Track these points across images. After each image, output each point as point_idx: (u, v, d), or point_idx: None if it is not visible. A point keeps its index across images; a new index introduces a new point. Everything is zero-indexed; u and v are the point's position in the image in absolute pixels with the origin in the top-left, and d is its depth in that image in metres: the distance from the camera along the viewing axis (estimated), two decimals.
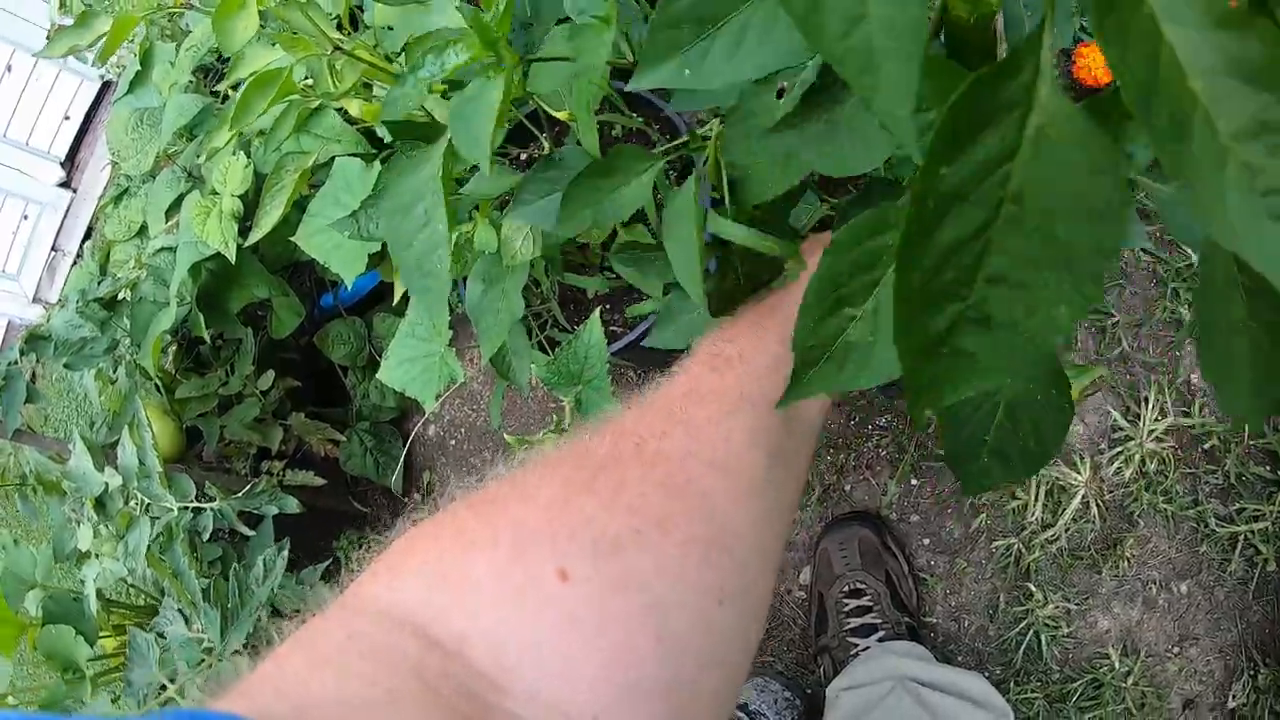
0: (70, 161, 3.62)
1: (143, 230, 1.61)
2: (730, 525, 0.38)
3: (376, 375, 0.94)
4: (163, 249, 1.37)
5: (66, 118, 3.49)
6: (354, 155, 1.00)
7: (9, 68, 3.23)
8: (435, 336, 0.86)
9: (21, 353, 1.28)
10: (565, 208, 0.56)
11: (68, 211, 3.59)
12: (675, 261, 0.52)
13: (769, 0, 0.39)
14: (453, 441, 1.55)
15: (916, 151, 0.25)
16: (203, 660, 0.98)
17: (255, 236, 0.90)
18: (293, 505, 1.14)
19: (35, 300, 3.73)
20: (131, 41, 2.07)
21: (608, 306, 0.98)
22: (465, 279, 0.83)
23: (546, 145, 0.83)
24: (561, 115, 0.77)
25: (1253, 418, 0.35)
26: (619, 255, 0.72)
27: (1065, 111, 0.23)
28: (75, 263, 3.72)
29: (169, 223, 1.51)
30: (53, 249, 3.66)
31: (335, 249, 1.08)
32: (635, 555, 0.33)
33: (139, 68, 1.77)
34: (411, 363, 0.89)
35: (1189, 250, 1.10)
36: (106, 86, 3.55)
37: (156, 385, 1.48)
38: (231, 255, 1.13)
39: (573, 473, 0.37)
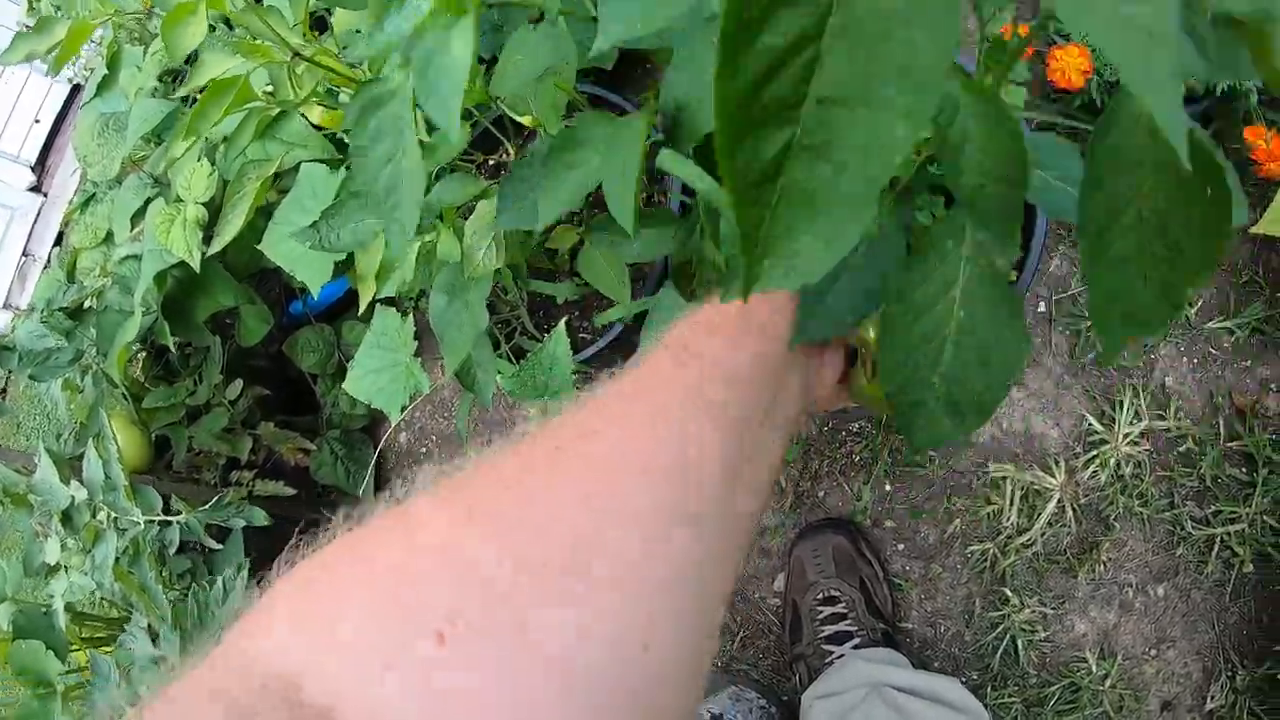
0: (41, 166, 3.58)
1: (109, 237, 1.60)
2: (656, 559, 0.31)
3: (343, 386, 0.93)
4: (128, 257, 1.36)
5: (36, 121, 3.46)
6: (319, 161, 0.99)
7: None
8: (401, 346, 0.85)
9: None
10: (543, 198, 0.55)
11: (38, 216, 3.56)
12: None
13: None
14: (423, 449, 1.54)
15: None
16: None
17: (218, 245, 0.89)
18: (260, 518, 1.13)
19: (5, 307, 3.69)
20: (98, 44, 2.05)
21: (577, 314, 0.98)
22: (429, 290, 0.82)
23: (512, 151, 0.82)
24: (526, 120, 0.77)
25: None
26: (593, 236, 0.72)
27: None
28: (45, 269, 3.68)
29: (134, 230, 1.49)
30: (23, 254, 3.62)
31: (301, 257, 1.07)
32: (531, 606, 0.28)
33: (106, 71, 1.76)
34: (378, 373, 0.88)
35: None
36: (77, 90, 3.51)
37: (124, 394, 1.46)
38: (196, 264, 1.12)
39: (473, 498, 0.32)
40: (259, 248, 1.13)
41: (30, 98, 3.40)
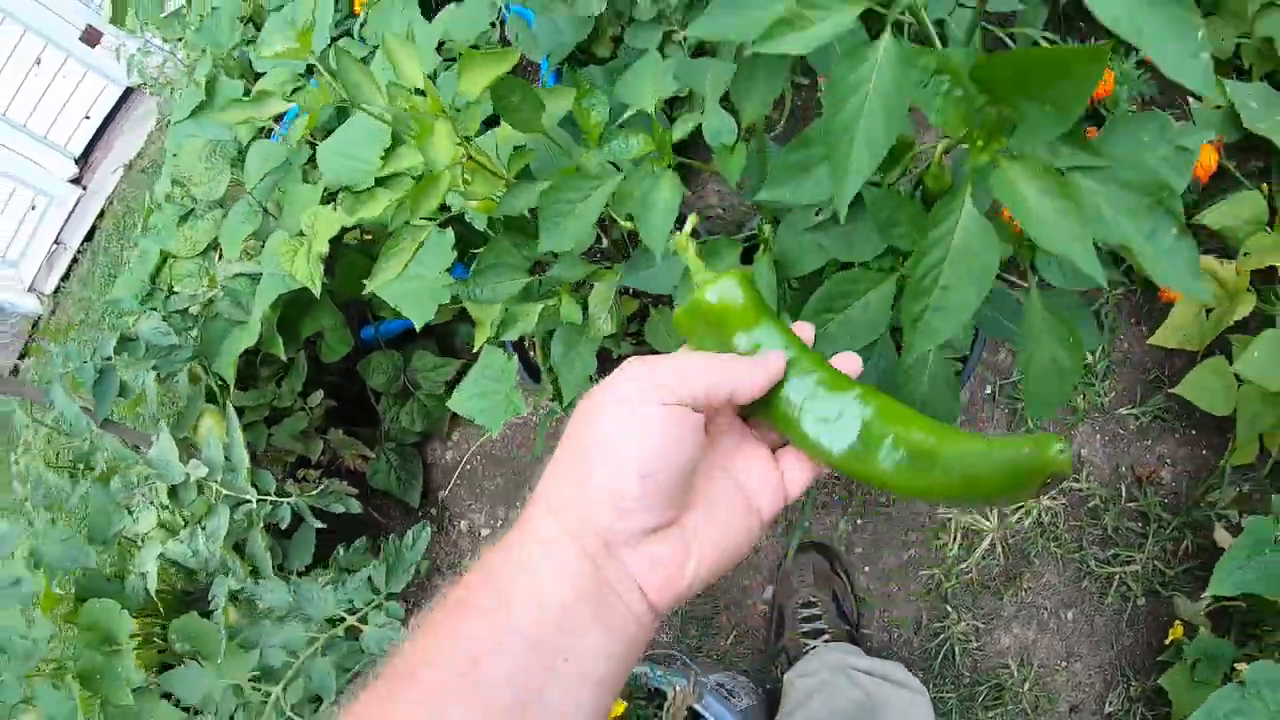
0: (84, 160, 3.82)
1: (207, 250, 1.85)
2: None
3: (447, 403, 1.20)
4: (240, 274, 1.61)
5: (87, 117, 3.70)
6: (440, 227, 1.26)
7: (39, 61, 3.45)
8: (505, 379, 1.12)
9: (116, 351, 1.50)
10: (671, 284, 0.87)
11: (75, 208, 3.78)
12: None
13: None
14: (468, 466, 1.80)
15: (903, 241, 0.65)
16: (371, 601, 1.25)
17: (373, 288, 1.15)
18: (355, 506, 1.38)
19: (30, 289, 3.88)
20: (183, 63, 2.30)
21: None
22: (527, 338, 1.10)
23: (606, 241, 1.11)
24: (626, 225, 1.05)
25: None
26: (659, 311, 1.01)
27: (971, 224, 0.54)
28: (76, 259, 3.88)
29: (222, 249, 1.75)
30: (55, 242, 3.84)
31: (408, 296, 1.34)
32: None
33: (204, 97, 1.99)
34: (481, 397, 1.15)
35: (1087, 353, 1.42)
36: (128, 93, 3.75)
37: (215, 392, 1.70)
38: (318, 291, 1.39)
39: None
40: (366, 283, 1.40)
41: (84, 94, 3.64)
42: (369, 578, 1.32)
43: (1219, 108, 1.42)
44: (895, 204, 0.74)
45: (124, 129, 3.79)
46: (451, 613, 0.40)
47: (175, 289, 1.91)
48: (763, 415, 0.52)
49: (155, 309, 1.79)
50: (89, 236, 3.88)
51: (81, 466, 1.74)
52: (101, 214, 3.82)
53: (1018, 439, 0.44)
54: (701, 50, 1.09)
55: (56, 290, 3.96)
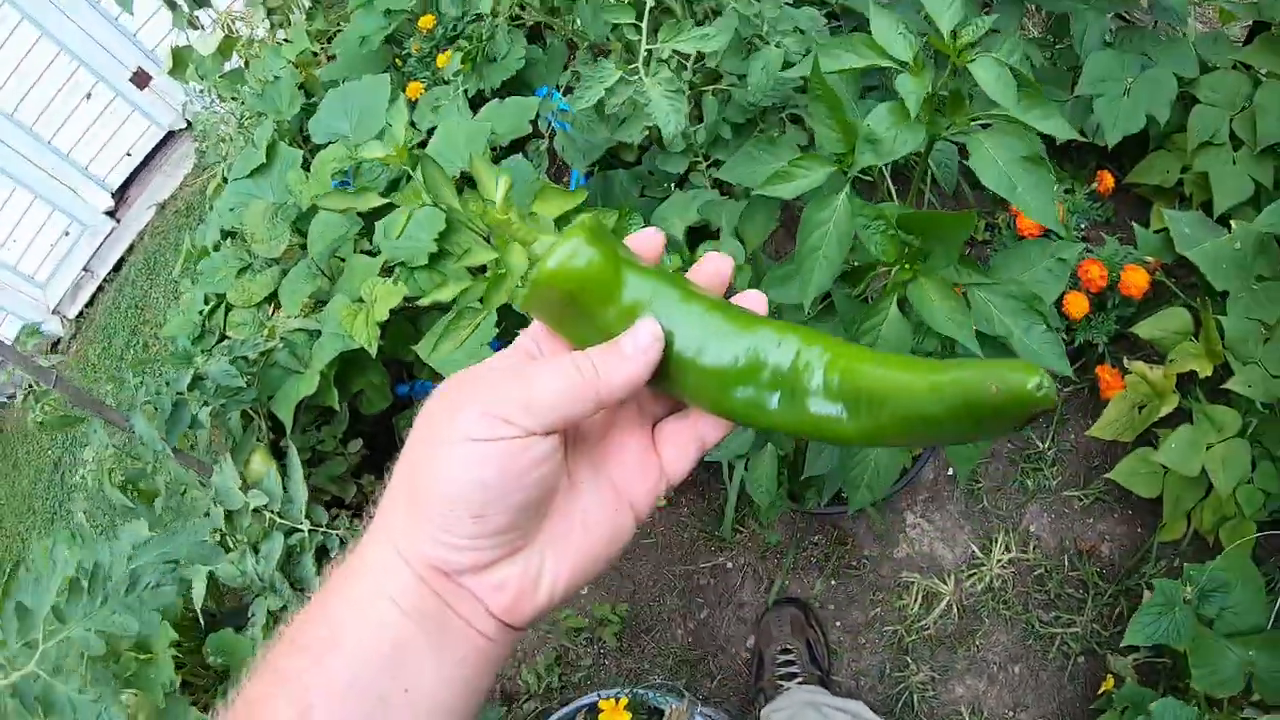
0: (121, 194, 4.05)
1: (262, 303, 2.06)
2: None
3: None
4: (299, 330, 1.82)
5: (128, 154, 3.94)
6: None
7: (89, 96, 3.71)
8: None
9: (189, 388, 1.70)
10: None
11: (106, 239, 4.00)
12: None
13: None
14: None
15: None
16: None
17: (431, 358, 1.35)
18: None
19: (54, 312, 4.07)
20: (248, 130, 2.52)
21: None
22: None
23: None
24: None
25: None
26: None
27: (894, 319, 0.77)
28: (102, 288, 4.08)
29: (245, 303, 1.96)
30: (84, 269, 4.05)
31: (453, 365, 1.56)
32: None
33: (264, 160, 2.21)
34: None
35: (1037, 441, 1.64)
36: (169, 136, 3.99)
37: (264, 432, 1.91)
38: (373, 352, 1.60)
39: None
40: (416, 349, 1.61)
41: (128, 133, 3.88)
42: None
43: (1159, 232, 1.66)
44: (854, 306, 0.98)
45: (162, 169, 4.03)
46: (286, 653, 0.39)
47: (227, 334, 2.12)
48: (670, 388, 0.45)
49: (208, 350, 2.00)
50: (117, 268, 4.09)
51: (135, 487, 1.93)
52: (131, 248, 4.04)
53: (983, 368, 0.36)
54: (717, 183, 1.32)
55: (79, 315, 4.16)
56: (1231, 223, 1.53)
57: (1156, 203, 1.79)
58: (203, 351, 2.06)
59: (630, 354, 0.41)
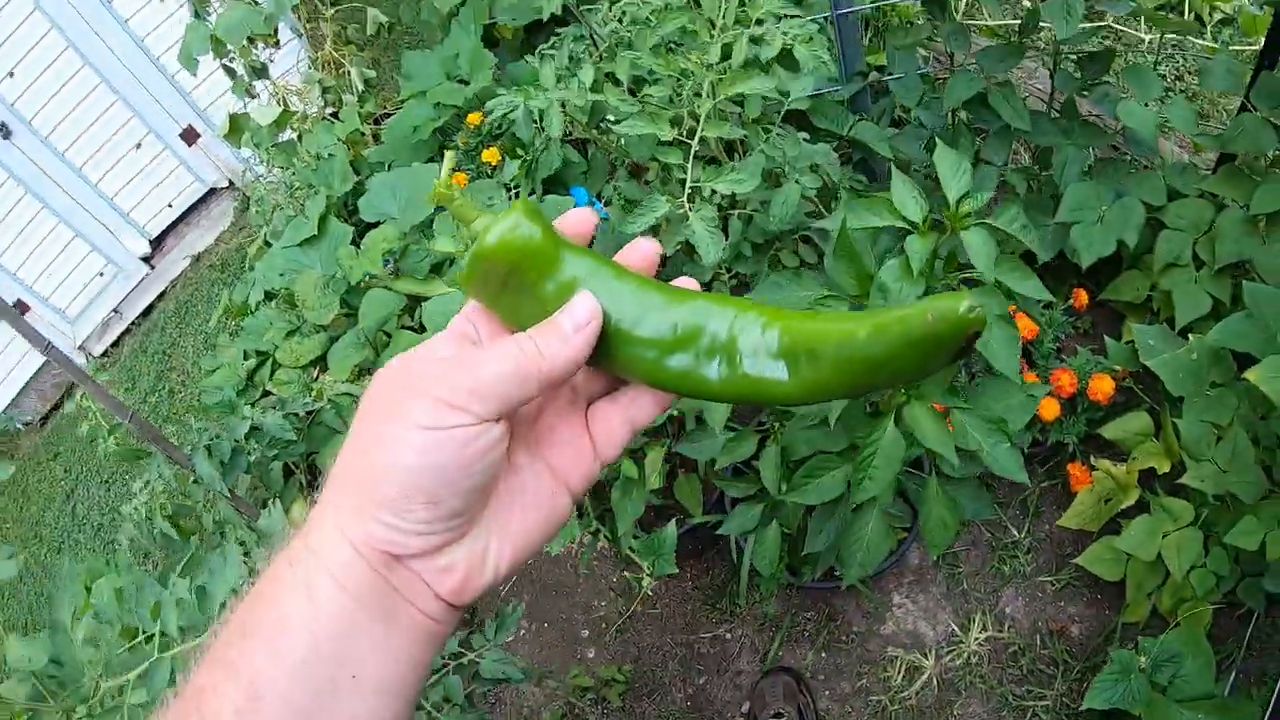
0: (158, 243, 4.26)
1: (308, 365, 2.23)
2: None
3: None
4: (345, 393, 1.99)
5: (169, 206, 4.17)
6: None
7: (139, 145, 3.94)
8: None
9: (245, 437, 1.87)
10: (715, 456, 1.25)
11: (139, 284, 4.19)
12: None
13: None
14: (503, 587, 2.16)
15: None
16: None
17: None
18: None
19: (80, 348, 4.24)
20: (299, 200, 2.72)
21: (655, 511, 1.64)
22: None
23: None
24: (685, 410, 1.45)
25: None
26: (689, 476, 1.40)
27: (891, 434, 0.97)
28: (129, 330, 4.25)
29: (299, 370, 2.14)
30: (114, 310, 4.22)
31: None
32: None
33: (315, 231, 2.41)
34: None
35: (1014, 530, 1.81)
36: (210, 193, 4.21)
37: (304, 485, 2.07)
38: None
39: None
40: None
41: (171, 185, 4.12)
42: None
43: (1129, 343, 1.85)
44: (861, 420, 1.17)
45: (200, 224, 4.25)
46: (234, 638, 0.40)
47: (270, 390, 2.30)
48: (609, 364, 0.46)
49: (252, 403, 2.17)
50: (146, 313, 4.28)
51: (175, 522, 2.08)
52: (162, 295, 4.24)
53: (917, 305, 0.38)
54: (734, 291, 1.52)
55: (104, 354, 4.33)
56: (1190, 335, 1.72)
57: (1129, 316, 1.99)
58: (248, 404, 2.24)
59: (569, 332, 0.42)
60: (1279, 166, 1.78)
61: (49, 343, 1.70)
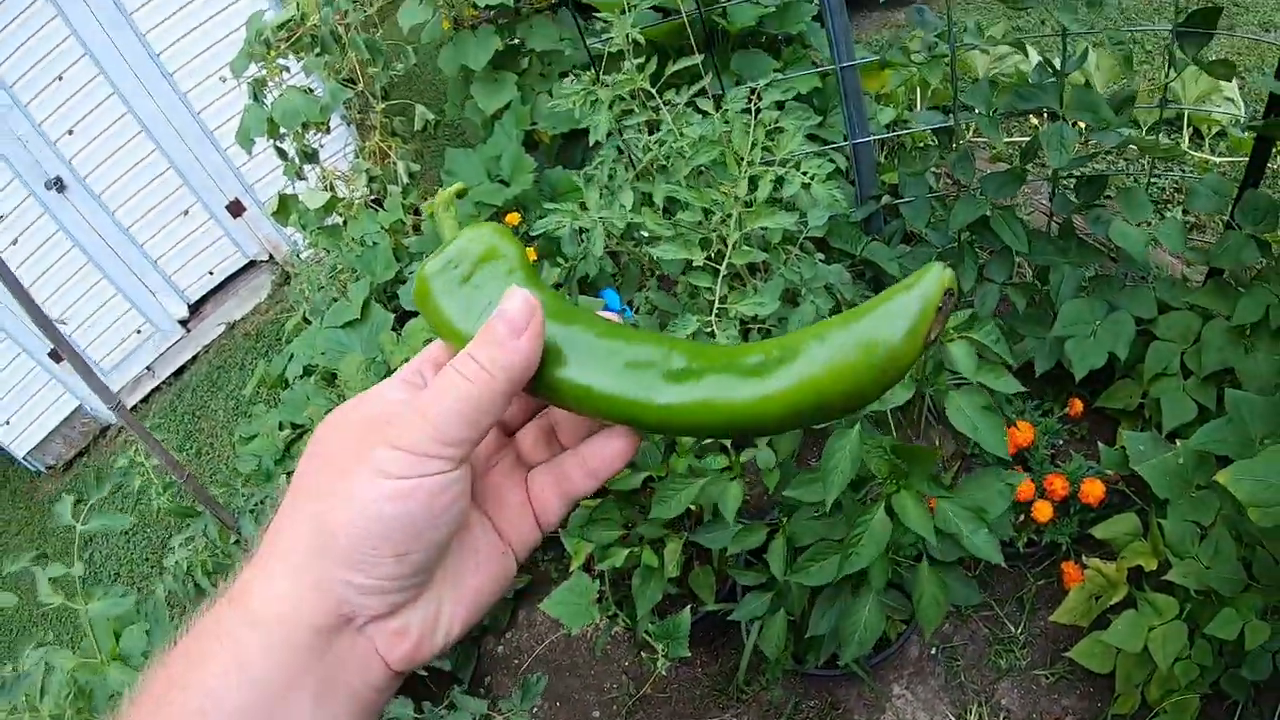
0: (196, 308, 4.46)
1: None
2: None
3: (541, 605, 1.68)
4: None
5: (210, 273, 4.38)
6: None
7: (186, 213, 4.16)
8: (586, 595, 1.62)
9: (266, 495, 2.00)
10: (725, 542, 1.38)
11: (174, 345, 4.37)
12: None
13: None
14: (515, 661, 2.26)
15: None
16: None
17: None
18: (421, 669, 1.83)
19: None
20: (342, 281, 2.89)
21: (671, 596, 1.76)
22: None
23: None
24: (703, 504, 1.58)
25: None
26: (701, 568, 1.52)
27: (880, 519, 1.09)
28: (159, 388, 4.41)
29: None
30: (146, 368, 4.39)
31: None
32: None
33: (357, 315, 2.57)
34: (566, 604, 1.64)
35: (1010, 625, 1.92)
36: (251, 265, 4.43)
37: None
38: None
39: None
40: None
41: (214, 254, 4.34)
42: None
43: (1121, 449, 1.97)
44: (855, 506, 1.30)
45: (238, 293, 4.46)
46: (152, 707, 0.36)
47: None
48: (543, 388, 0.42)
49: (289, 473, 2.31)
50: (178, 374, 4.45)
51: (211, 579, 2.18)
52: (195, 358, 4.42)
53: (879, 298, 0.37)
54: None
55: (133, 409, 4.49)
56: (1177, 441, 1.84)
57: (1122, 423, 2.12)
58: (285, 473, 2.37)
59: (510, 338, 0.39)
60: (1263, 279, 1.89)
61: (119, 400, 1.85)
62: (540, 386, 0.42)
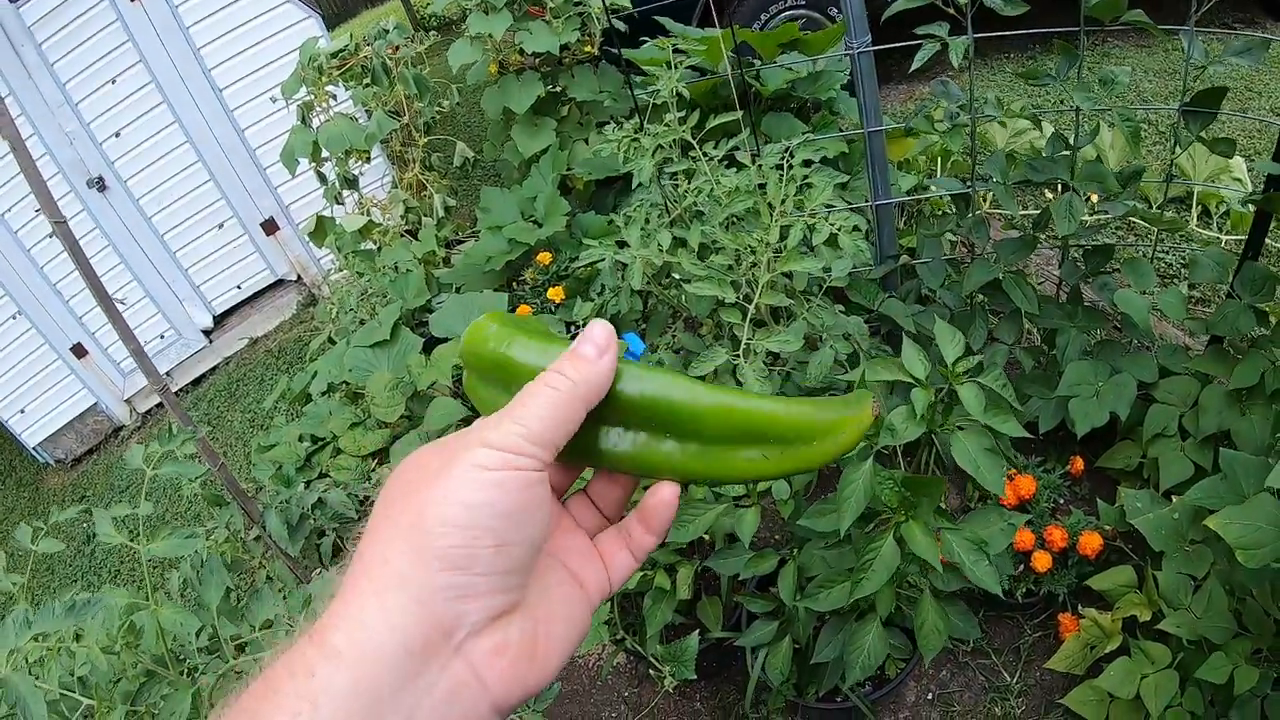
0: (220, 320, 4.58)
1: (368, 456, 2.48)
2: None
3: None
4: None
5: (238, 287, 4.52)
6: None
7: (221, 226, 4.31)
8: (596, 618, 1.71)
9: (314, 507, 2.10)
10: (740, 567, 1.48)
11: (195, 353, 4.49)
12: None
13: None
14: None
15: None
16: None
17: None
18: None
19: (126, 401, 4.50)
20: (372, 305, 3.02)
21: (679, 625, 1.85)
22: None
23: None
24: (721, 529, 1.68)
25: None
26: (709, 597, 1.61)
27: (889, 547, 1.23)
28: (176, 395, 4.52)
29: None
30: (166, 374, 4.50)
31: None
32: None
33: (387, 337, 2.68)
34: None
35: (1006, 674, 2.00)
36: (279, 283, 4.57)
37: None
38: None
39: None
40: None
41: (243, 268, 4.49)
42: None
43: (1119, 507, 2.06)
44: (864, 537, 1.40)
45: (263, 309, 4.59)
46: None
47: (328, 472, 2.54)
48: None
49: (309, 482, 2.41)
50: (196, 383, 4.57)
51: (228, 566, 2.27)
52: (214, 369, 4.54)
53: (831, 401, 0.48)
54: None
55: (147, 412, 4.60)
56: (1173, 497, 1.93)
57: (1122, 483, 2.21)
58: (305, 482, 2.48)
59: (591, 354, 0.44)
60: (1259, 346, 2.00)
61: (165, 384, 1.96)
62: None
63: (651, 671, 1.74)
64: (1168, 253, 3.07)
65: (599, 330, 0.44)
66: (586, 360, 0.43)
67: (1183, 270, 3.07)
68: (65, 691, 1.05)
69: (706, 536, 1.72)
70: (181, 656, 1.16)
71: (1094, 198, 2.44)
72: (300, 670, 0.35)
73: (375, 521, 0.40)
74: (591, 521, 0.50)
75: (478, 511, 0.38)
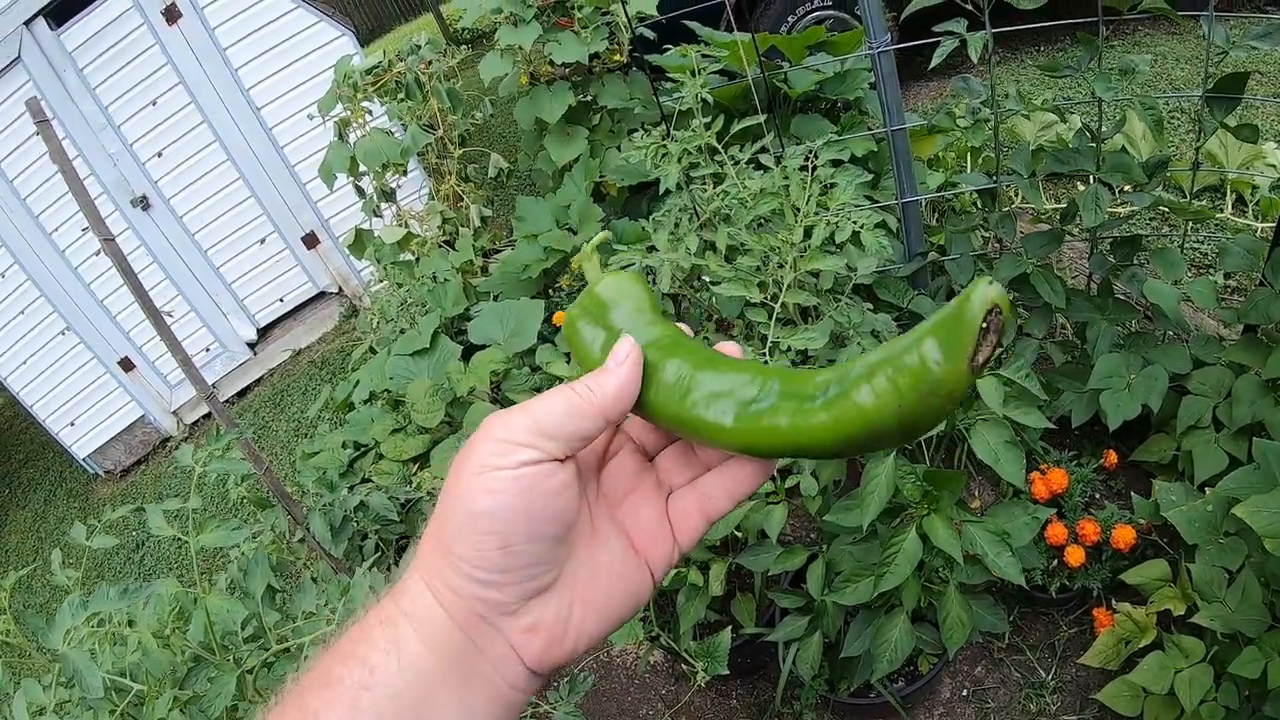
0: (264, 333, 4.70)
1: (408, 461, 2.54)
2: None
3: None
4: None
5: (280, 300, 4.63)
6: None
7: (263, 241, 4.42)
8: None
9: (356, 509, 2.16)
10: (768, 563, 1.50)
11: (240, 366, 4.61)
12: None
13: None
14: (553, 679, 2.37)
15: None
16: None
17: None
18: None
19: (173, 413, 4.63)
20: (411, 313, 3.07)
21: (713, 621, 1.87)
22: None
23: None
24: (746, 528, 1.71)
25: None
26: (743, 595, 1.64)
27: (912, 541, 1.23)
28: (224, 406, 4.63)
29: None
30: (212, 385, 4.62)
31: None
32: None
33: (426, 345, 2.74)
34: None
35: (1041, 670, 2.00)
36: (321, 296, 4.67)
37: (393, 564, 2.34)
38: None
39: None
40: None
41: (286, 282, 4.60)
42: None
43: (1154, 500, 2.05)
44: (888, 529, 1.42)
45: (305, 321, 4.70)
46: (316, 687, 0.41)
47: (370, 477, 2.60)
48: (648, 411, 0.48)
49: (352, 486, 2.47)
50: (241, 394, 4.69)
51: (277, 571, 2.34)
52: (259, 380, 4.65)
53: (926, 324, 0.39)
54: None
55: (193, 424, 4.72)
56: (1206, 489, 1.91)
57: (1158, 476, 2.20)
58: (349, 486, 2.54)
59: (613, 367, 0.45)
60: None
61: (211, 391, 2.04)
62: (653, 414, 0.48)
63: (685, 668, 1.77)
64: (1202, 242, 3.03)
65: (622, 346, 0.47)
66: (606, 372, 0.46)
67: (1218, 259, 3.03)
68: (115, 677, 1.12)
69: (739, 533, 1.75)
70: (228, 645, 1.21)
71: (1128, 189, 2.43)
72: (387, 618, 0.42)
73: (440, 495, 0.44)
74: (683, 474, 0.50)
75: (478, 518, 0.41)
